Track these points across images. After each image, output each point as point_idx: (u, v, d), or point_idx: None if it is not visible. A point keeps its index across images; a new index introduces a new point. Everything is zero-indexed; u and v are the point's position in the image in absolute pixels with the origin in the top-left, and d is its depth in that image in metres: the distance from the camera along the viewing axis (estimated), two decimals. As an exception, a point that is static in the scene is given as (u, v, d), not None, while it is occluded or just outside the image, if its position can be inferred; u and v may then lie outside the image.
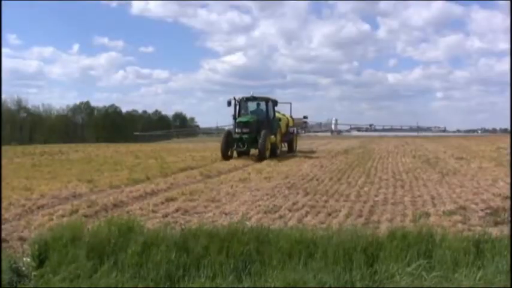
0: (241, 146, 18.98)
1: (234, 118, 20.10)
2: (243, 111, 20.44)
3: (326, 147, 29.74)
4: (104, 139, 51.38)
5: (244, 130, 18.93)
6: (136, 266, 4.75)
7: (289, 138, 23.67)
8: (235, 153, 19.89)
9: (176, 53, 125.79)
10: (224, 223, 6.86)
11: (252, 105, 20.77)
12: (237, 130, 19.15)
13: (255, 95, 20.64)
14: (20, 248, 5.86)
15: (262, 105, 20.52)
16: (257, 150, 18.82)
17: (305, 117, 30.85)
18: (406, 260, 4.72)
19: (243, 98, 20.45)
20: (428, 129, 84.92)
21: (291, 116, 24.88)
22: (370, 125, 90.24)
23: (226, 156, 18.78)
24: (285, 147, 23.65)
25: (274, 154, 19.63)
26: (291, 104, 26.27)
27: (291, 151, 23.75)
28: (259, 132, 18.88)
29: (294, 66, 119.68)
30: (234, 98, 20.29)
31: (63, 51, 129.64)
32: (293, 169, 15.09)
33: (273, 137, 19.68)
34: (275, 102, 21.04)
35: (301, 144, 30.30)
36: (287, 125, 23.15)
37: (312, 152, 24.74)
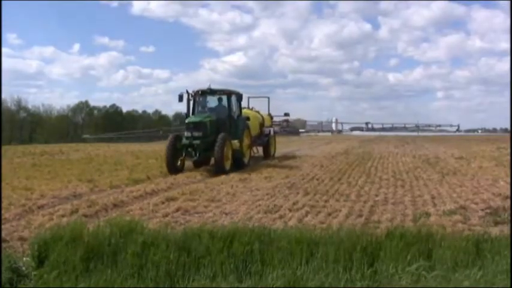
0: (193, 154, 14.36)
1: (187, 117, 15.79)
2: (199, 109, 16.11)
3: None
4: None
5: (196, 133, 14.39)
6: (136, 265, 4.75)
7: (264, 141, 19.45)
8: (189, 164, 15.20)
9: (177, 53, 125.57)
10: (224, 223, 6.87)
11: (210, 101, 16.50)
12: (186, 134, 14.67)
13: (212, 87, 16.03)
14: (20, 247, 5.87)
15: (223, 100, 16.11)
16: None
17: (286, 114, 26.35)
18: (406, 259, 4.72)
19: (198, 92, 15.87)
20: (437, 127, 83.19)
21: (269, 114, 21.04)
22: (367, 123, 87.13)
23: (173, 169, 13.96)
24: (257, 152, 19.75)
25: (239, 164, 15.15)
26: (268, 98, 21.70)
27: (267, 157, 19.59)
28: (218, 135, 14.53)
29: (295, 66, 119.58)
30: (187, 92, 15.80)
31: (64, 51, 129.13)
32: (293, 169, 15.10)
33: (236, 141, 15.10)
34: (239, 96, 16.60)
35: (301, 143, 30.22)
36: (261, 125, 19.12)
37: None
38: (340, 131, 78.96)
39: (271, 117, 21.53)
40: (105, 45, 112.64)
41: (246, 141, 16.39)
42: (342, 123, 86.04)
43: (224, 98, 16.09)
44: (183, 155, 14.39)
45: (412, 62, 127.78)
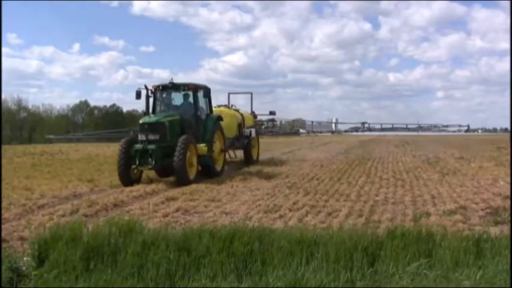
0: (149, 161, 11.85)
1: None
2: (162, 107, 13.78)
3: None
4: (104, 139, 51.02)
5: (151, 136, 12.01)
6: (136, 265, 4.75)
7: (244, 144, 16.88)
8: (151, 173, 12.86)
9: (177, 53, 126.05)
10: (225, 223, 6.86)
11: (175, 98, 14.04)
12: (140, 137, 12.20)
13: (174, 81, 13.50)
14: (20, 247, 5.86)
15: (188, 96, 13.62)
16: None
17: (272, 112, 23.29)
18: (407, 259, 4.72)
19: (158, 87, 13.50)
20: (444, 127, 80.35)
21: (252, 112, 18.64)
22: (363, 124, 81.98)
23: (127, 179, 11.74)
24: (236, 157, 17.65)
25: (209, 172, 13.14)
26: (251, 94, 19.21)
27: (249, 162, 16.89)
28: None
29: (295, 66, 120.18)
30: (146, 87, 13.39)
31: (64, 50, 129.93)
32: (293, 168, 15.10)
33: (203, 145, 12.81)
34: (207, 91, 13.95)
35: (303, 142, 30.06)
36: (239, 126, 16.72)
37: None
38: (333, 132, 76.05)
39: (255, 116, 19.16)
40: (105, 45, 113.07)
41: (218, 144, 14.03)
42: (336, 124, 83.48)
43: (188, 93, 13.60)
44: (136, 162, 11.86)
45: (412, 61, 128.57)
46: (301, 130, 71.04)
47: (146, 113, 13.53)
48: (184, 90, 13.61)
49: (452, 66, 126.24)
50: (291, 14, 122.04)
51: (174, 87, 13.55)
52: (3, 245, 5.79)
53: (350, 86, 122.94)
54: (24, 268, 4.89)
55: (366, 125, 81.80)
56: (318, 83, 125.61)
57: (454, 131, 77.57)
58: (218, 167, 13.79)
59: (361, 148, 27.95)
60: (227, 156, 15.91)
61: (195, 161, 12.37)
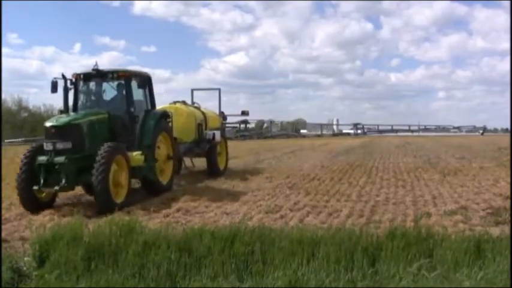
0: (61, 179, 8.38)
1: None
2: (87, 103, 10.27)
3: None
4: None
5: (60, 145, 8.58)
6: (137, 265, 4.76)
7: (205, 150, 13.45)
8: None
9: (178, 53, 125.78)
10: (226, 223, 6.87)
11: (106, 90, 10.49)
12: (45, 145, 8.67)
13: (99, 66, 10.02)
14: (21, 247, 5.87)
15: (121, 88, 10.15)
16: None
17: (244, 112, 20.01)
18: (407, 259, 4.72)
19: (79, 75, 10.09)
20: (457, 129, 75.13)
21: (221, 113, 15.72)
22: (355, 125, 70.13)
23: (31, 203, 8.54)
24: (194, 166, 14.37)
25: (152, 188, 10.23)
26: (219, 90, 16.51)
27: (215, 172, 13.41)
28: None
29: (296, 66, 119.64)
30: (64, 77, 9.96)
31: (65, 50, 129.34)
32: (294, 169, 15.10)
33: (137, 153, 9.43)
34: (144, 80, 10.44)
35: (299, 143, 29.77)
36: (199, 127, 13.38)
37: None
38: (319, 135, 63.97)
39: (224, 117, 16.13)
40: (106, 45, 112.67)
41: (164, 150, 10.73)
42: (337, 125, 78.11)
43: (119, 84, 10.19)
44: (41, 181, 8.42)
45: (413, 62, 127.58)
46: (302, 131, 69.45)
47: (64, 111, 10.04)
48: (113, 79, 10.16)
49: (453, 67, 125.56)
50: (292, 14, 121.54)
51: (99, 75, 10.09)
52: (4, 245, 5.81)
53: (351, 86, 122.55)
54: (25, 268, 4.91)
55: (360, 127, 69.10)
56: (319, 83, 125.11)
57: (456, 131, 74.96)
58: (164, 180, 10.51)
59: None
60: (182, 165, 13.49)
61: (124, 178, 8.90)
